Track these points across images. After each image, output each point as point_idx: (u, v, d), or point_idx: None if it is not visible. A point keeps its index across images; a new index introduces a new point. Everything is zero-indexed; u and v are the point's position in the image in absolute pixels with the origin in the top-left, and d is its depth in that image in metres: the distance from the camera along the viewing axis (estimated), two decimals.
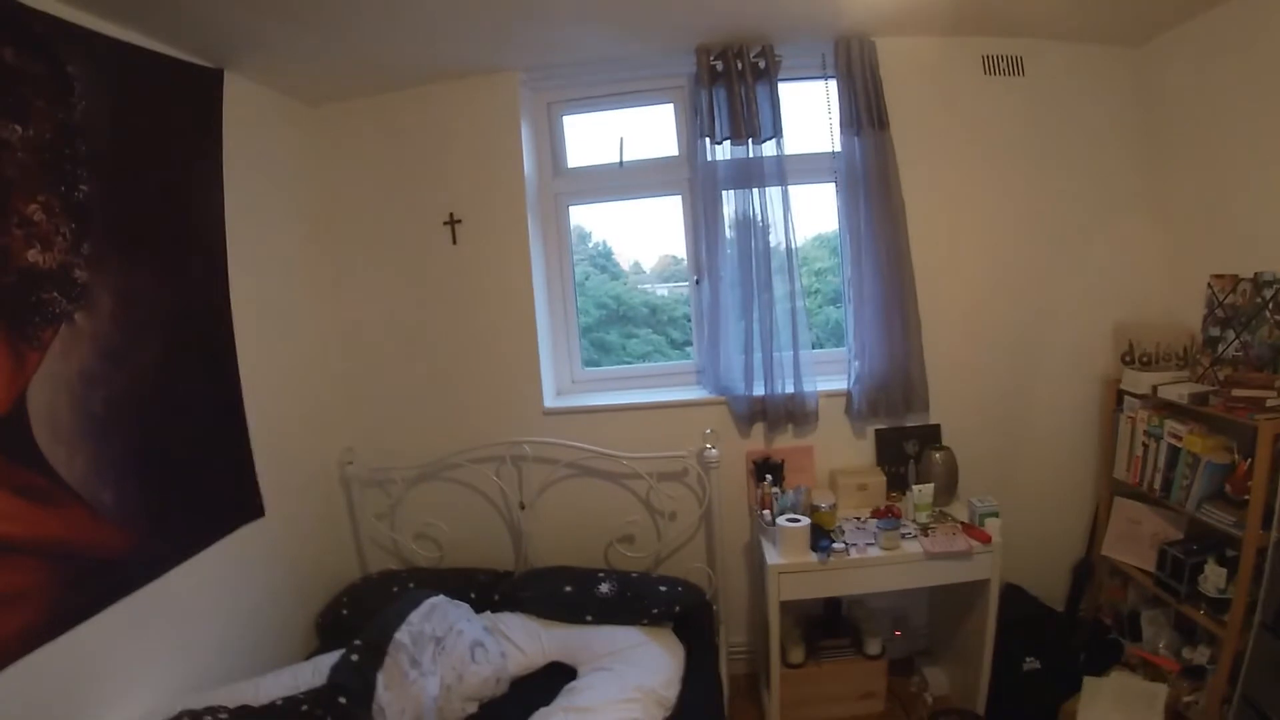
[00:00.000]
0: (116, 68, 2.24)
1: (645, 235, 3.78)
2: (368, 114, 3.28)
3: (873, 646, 3.10)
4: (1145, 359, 3.12)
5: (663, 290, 3.83)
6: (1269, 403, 2.50)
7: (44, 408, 1.96)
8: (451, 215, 3.25)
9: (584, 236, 3.76)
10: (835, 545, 2.77)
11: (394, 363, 3.38)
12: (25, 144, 1.93)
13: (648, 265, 3.89)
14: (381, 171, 3.30)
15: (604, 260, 3.90)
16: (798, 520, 2.82)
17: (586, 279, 3.76)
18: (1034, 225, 3.23)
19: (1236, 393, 2.60)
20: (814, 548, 2.79)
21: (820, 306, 3.65)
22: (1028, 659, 3.03)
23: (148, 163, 2.39)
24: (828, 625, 3.19)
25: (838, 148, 3.12)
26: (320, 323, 3.30)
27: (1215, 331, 2.84)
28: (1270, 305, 2.61)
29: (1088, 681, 2.93)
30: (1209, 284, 2.87)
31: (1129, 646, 3.10)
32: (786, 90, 3.13)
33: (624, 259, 3.91)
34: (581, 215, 3.60)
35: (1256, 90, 2.66)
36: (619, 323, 3.79)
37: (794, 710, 3.05)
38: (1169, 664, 2.93)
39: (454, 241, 3.27)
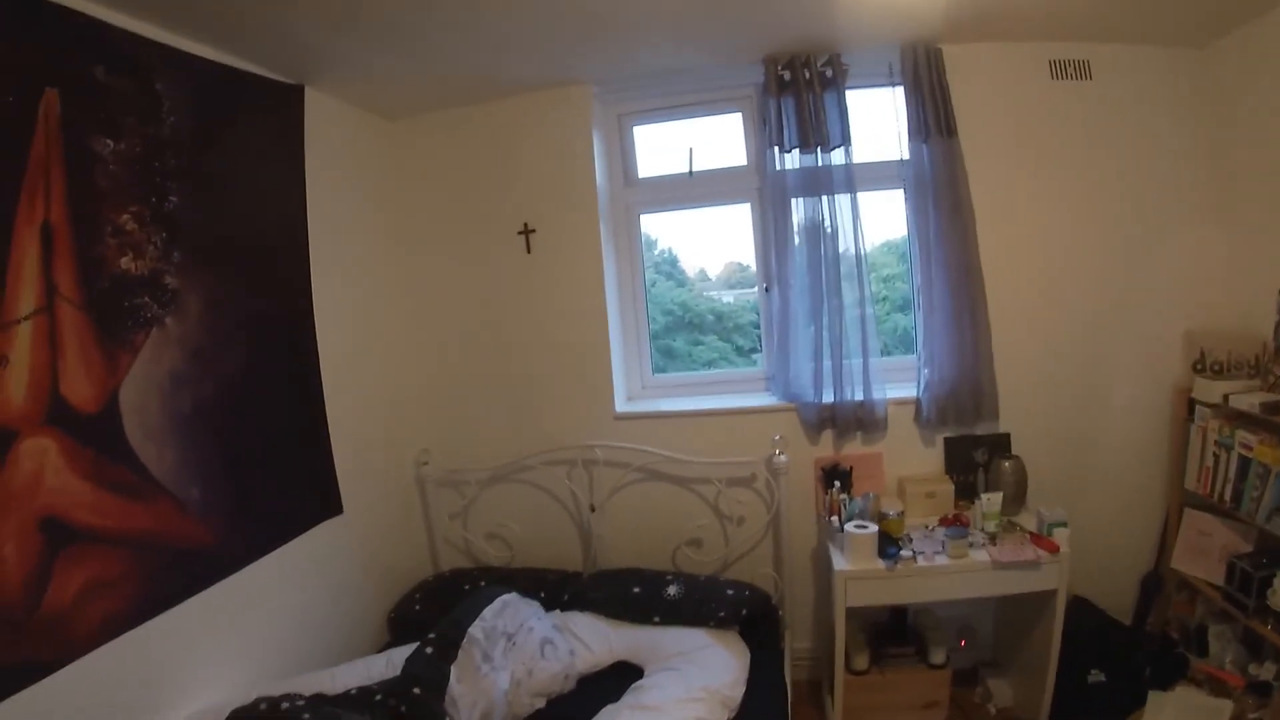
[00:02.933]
0: (203, 84, 2.29)
1: (711, 242, 3.72)
2: (444, 127, 3.30)
3: (937, 655, 3.00)
4: (1216, 367, 2.97)
5: (729, 297, 3.74)
6: None
7: (135, 407, 2.01)
8: (525, 225, 3.25)
9: (650, 244, 3.73)
10: (903, 553, 2.69)
11: (470, 368, 3.39)
12: (117, 158, 1.98)
13: (713, 272, 3.82)
14: (457, 182, 3.31)
15: (670, 267, 3.84)
16: (865, 527, 2.75)
17: (653, 285, 3.73)
18: (1103, 231, 3.10)
19: None
20: (881, 555, 2.71)
21: (888, 314, 3.56)
22: (1093, 672, 2.91)
23: (234, 174, 2.43)
24: (893, 633, 3.10)
25: (906, 155, 3.04)
26: (399, 328, 3.33)
27: None
28: None
29: (1152, 696, 2.82)
30: None
31: (1195, 661, 2.97)
32: (854, 98, 3.05)
33: (690, 266, 3.84)
34: (648, 222, 3.55)
35: None
36: (685, 329, 3.74)
37: (856, 717, 2.97)
38: (1234, 680, 2.80)
39: (528, 250, 3.26)
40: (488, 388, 3.36)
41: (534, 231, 3.23)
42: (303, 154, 2.71)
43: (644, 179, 3.39)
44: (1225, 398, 2.80)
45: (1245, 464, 2.70)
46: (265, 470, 2.50)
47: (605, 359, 3.22)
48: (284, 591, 2.56)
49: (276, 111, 2.63)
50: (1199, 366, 3.01)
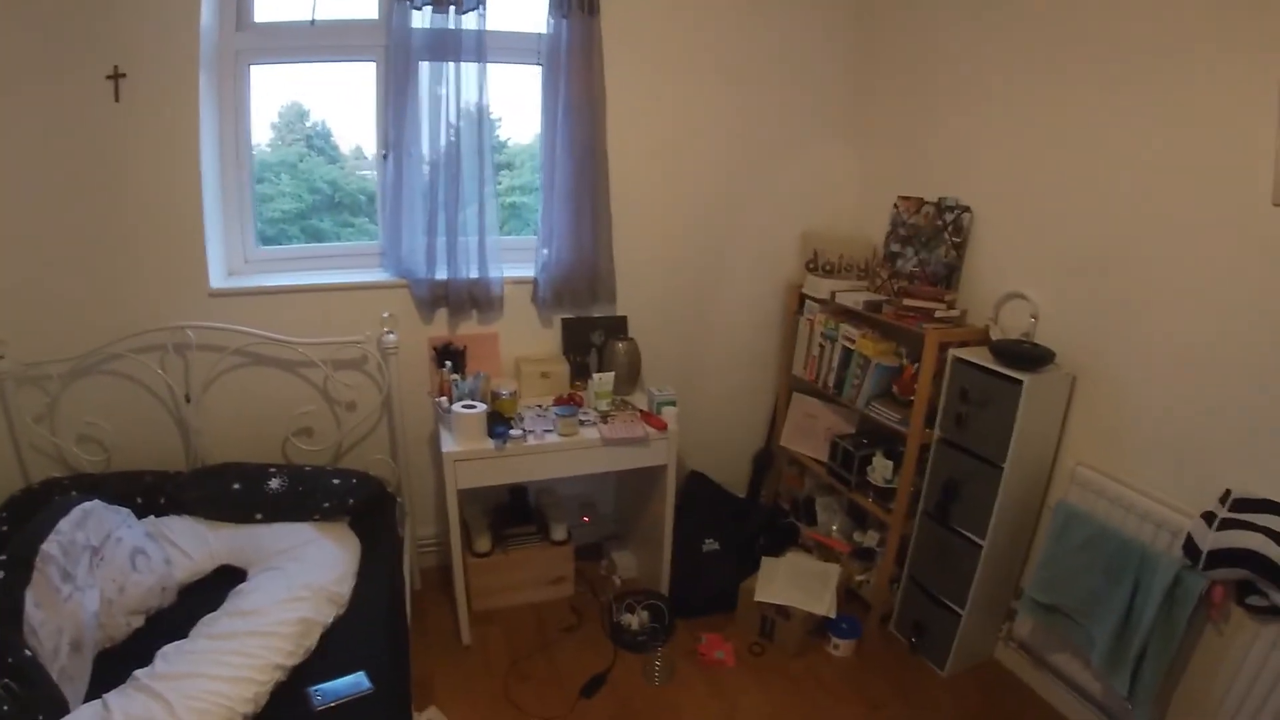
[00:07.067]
0: None
1: (366, 116, 3.22)
2: None
3: (559, 533, 2.99)
4: (828, 267, 3.13)
5: None
6: (937, 314, 2.59)
7: None
8: (116, 69, 2.55)
9: (302, 114, 3.21)
10: (512, 432, 2.56)
11: (46, 238, 2.64)
12: None
13: (370, 150, 3.34)
14: (35, 15, 2.48)
15: (322, 142, 3.32)
16: (474, 406, 2.58)
17: (301, 160, 3.23)
18: (739, 133, 3.10)
19: (908, 303, 2.65)
20: (491, 434, 2.57)
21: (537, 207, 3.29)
22: (707, 541, 3.03)
23: None
24: (514, 513, 3.01)
25: (544, 29, 2.76)
26: None
27: (896, 248, 2.89)
28: (950, 228, 2.68)
29: (766, 561, 2.97)
30: (895, 204, 2.91)
31: (805, 530, 3.19)
32: None
33: (345, 143, 3.34)
34: (299, 91, 3.04)
35: (958, 29, 2.68)
36: (334, 210, 3.27)
37: (484, 599, 2.90)
38: (841, 546, 3.04)
39: (116, 99, 2.57)
40: (67, 261, 2.65)
41: (124, 76, 2.54)
42: None
43: (259, 24, 2.79)
44: (833, 294, 2.94)
45: (848, 355, 2.88)
46: None
47: (198, 226, 2.66)
48: None
49: None
50: (811, 265, 3.16)
